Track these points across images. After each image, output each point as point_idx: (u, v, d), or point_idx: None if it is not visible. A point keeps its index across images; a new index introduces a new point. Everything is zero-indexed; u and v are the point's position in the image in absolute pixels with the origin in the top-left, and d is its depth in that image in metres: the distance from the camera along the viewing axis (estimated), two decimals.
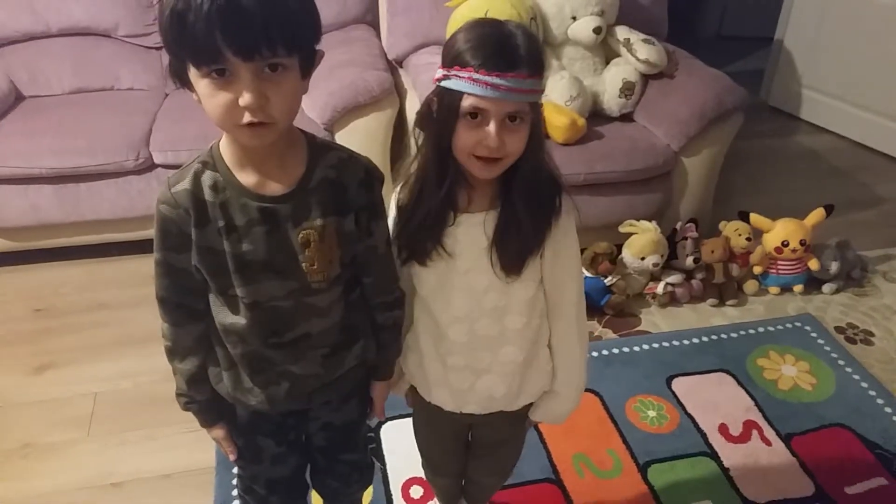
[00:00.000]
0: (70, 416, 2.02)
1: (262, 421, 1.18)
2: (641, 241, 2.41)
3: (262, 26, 0.81)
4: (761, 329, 2.37)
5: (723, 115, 2.53)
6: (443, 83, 1.01)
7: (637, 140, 2.53)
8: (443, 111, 1.02)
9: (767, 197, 3.12)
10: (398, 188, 1.15)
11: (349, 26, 2.96)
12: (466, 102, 0.99)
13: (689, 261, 2.47)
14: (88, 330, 2.35)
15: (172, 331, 1.07)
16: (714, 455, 1.90)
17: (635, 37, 2.64)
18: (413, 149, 1.13)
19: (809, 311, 2.47)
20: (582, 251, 2.41)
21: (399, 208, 1.14)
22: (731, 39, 5.01)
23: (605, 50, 2.72)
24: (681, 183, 2.63)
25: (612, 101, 2.63)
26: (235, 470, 1.31)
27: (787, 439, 1.95)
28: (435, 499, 1.73)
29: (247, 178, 0.96)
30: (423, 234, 1.11)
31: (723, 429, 1.98)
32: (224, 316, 1.04)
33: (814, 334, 2.35)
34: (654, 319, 2.43)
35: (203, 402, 1.13)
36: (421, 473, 1.76)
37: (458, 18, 2.57)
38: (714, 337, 2.33)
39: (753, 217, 2.54)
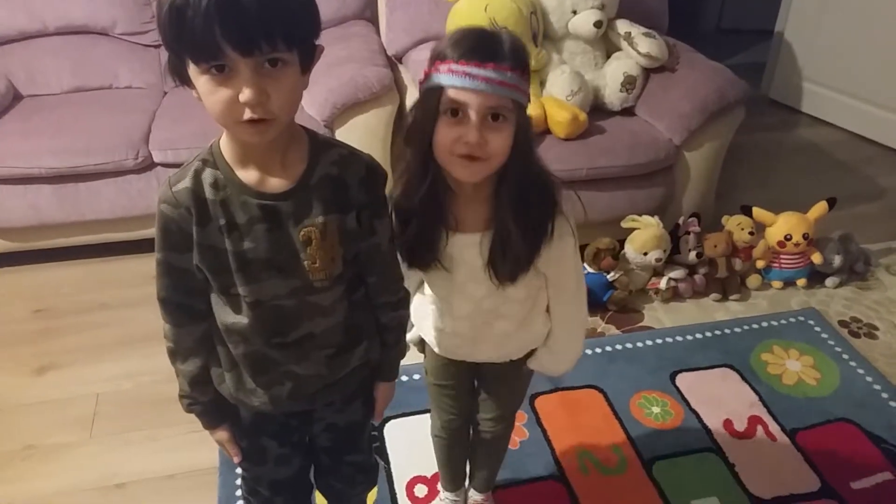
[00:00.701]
0: (72, 417, 2.01)
1: (265, 422, 1.17)
2: (644, 237, 2.40)
3: (261, 21, 0.80)
4: (765, 324, 2.37)
5: (724, 108, 2.51)
6: (424, 84, 1.01)
7: (639, 134, 2.52)
8: (423, 111, 1.01)
9: (770, 191, 3.11)
10: (392, 194, 1.14)
11: (348, 22, 2.95)
12: (446, 97, 0.98)
13: (692, 256, 2.46)
14: (89, 330, 2.34)
15: (174, 331, 1.06)
16: (719, 451, 1.89)
17: (636, 30, 2.63)
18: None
19: (813, 305, 2.47)
20: (584, 247, 2.40)
21: (394, 216, 1.13)
22: (731, 32, 4.99)
23: (605, 44, 2.71)
24: (683, 177, 2.62)
25: (613, 95, 2.62)
26: (239, 471, 1.30)
27: (791, 434, 1.94)
28: (438, 497, 1.73)
29: (248, 176, 0.95)
30: (419, 248, 1.12)
31: (727, 424, 1.97)
32: (226, 315, 1.03)
33: (817, 328, 2.34)
34: (658, 315, 2.42)
35: (206, 403, 1.12)
36: (425, 471, 1.77)
37: (458, 13, 2.55)
38: (717, 332, 2.33)
39: (756, 211, 2.53)
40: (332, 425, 1.24)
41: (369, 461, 1.38)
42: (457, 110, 0.98)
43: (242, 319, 1.02)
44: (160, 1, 0.81)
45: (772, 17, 3.97)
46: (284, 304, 1.02)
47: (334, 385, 1.14)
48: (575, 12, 2.59)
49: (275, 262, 0.98)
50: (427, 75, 1.00)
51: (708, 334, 2.31)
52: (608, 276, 2.40)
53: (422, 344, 1.41)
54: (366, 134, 2.49)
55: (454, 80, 0.95)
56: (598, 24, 2.56)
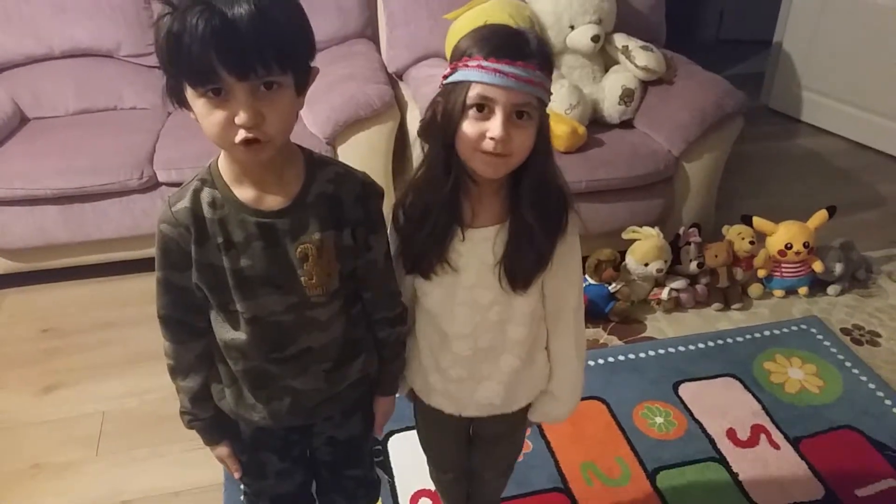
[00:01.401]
0: (78, 436, 2.03)
1: (265, 436, 1.18)
2: (645, 248, 2.41)
3: (256, 46, 0.82)
4: (767, 332, 2.37)
5: (723, 119, 2.53)
6: (449, 78, 1.00)
7: (638, 146, 2.54)
8: (448, 106, 1.01)
9: (770, 200, 3.12)
10: (401, 199, 1.14)
11: (349, 41, 2.98)
12: (473, 92, 0.97)
13: (693, 266, 2.47)
14: (95, 349, 2.36)
15: (174, 349, 1.08)
16: (722, 460, 1.90)
17: (633, 44, 2.65)
18: (416, 159, 1.12)
19: (815, 314, 2.47)
20: (585, 258, 2.41)
21: (404, 218, 1.12)
22: (730, 43, 5.02)
23: (603, 58, 2.74)
24: (682, 188, 2.64)
25: (611, 108, 2.64)
26: (242, 487, 1.31)
27: (795, 443, 1.95)
28: None
29: (245, 194, 0.97)
30: (429, 247, 1.10)
31: (731, 433, 1.97)
32: (225, 332, 1.05)
33: (819, 336, 2.35)
34: (660, 325, 2.43)
35: (207, 419, 1.14)
36: (429, 485, 1.76)
37: (457, 30, 2.59)
38: (720, 341, 2.33)
39: (756, 220, 2.54)
40: (332, 439, 1.24)
41: (370, 476, 1.38)
42: (483, 106, 0.98)
43: (241, 335, 1.04)
44: (158, 26, 0.84)
45: (770, 28, 4.00)
46: (282, 320, 1.03)
47: (333, 399, 1.15)
48: (572, 27, 2.62)
49: (272, 278, 1.00)
50: (452, 70, 1.00)
51: (710, 344, 2.32)
52: (610, 288, 2.41)
53: (411, 395, 1.36)
54: (367, 150, 2.51)
55: (484, 76, 0.96)
56: (595, 39, 2.59)
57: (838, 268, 2.53)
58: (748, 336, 2.36)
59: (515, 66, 0.95)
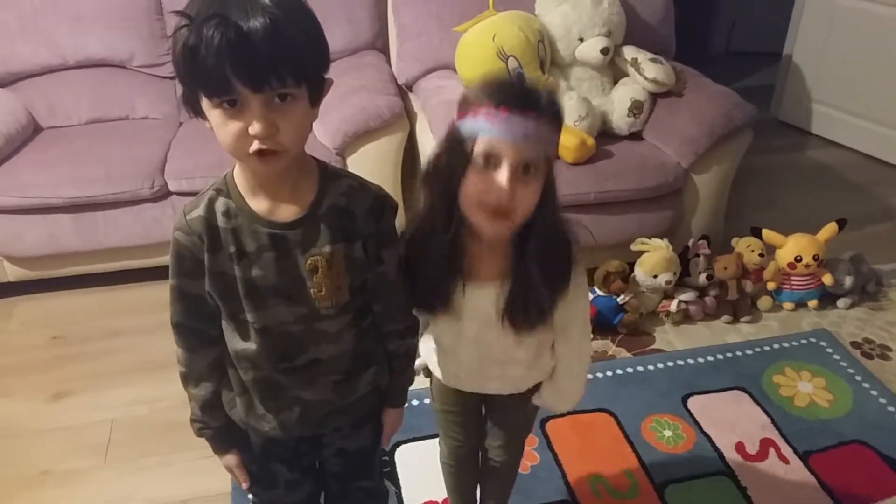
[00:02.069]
0: (87, 443, 2.04)
1: (275, 447, 1.19)
2: (653, 259, 2.41)
3: (271, 59, 0.83)
4: (776, 345, 2.36)
5: (732, 131, 2.53)
6: (457, 125, 0.99)
7: (647, 158, 2.54)
8: (452, 157, 0.99)
9: (779, 212, 3.11)
10: (405, 236, 1.13)
11: (360, 52, 3.00)
12: (480, 146, 0.96)
13: (702, 278, 2.47)
14: (105, 357, 2.37)
15: (187, 356, 1.09)
16: (731, 474, 1.88)
17: (643, 56, 2.66)
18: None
19: (824, 327, 2.46)
20: (594, 270, 2.41)
21: (409, 261, 1.11)
22: (740, 55, 5.02)
23: (612, 70, 2.74)
24: (692, 200, 2.63)
25: (620, 120, 2.64)
26: (250, 497, 1.31)
27: (804, 457, 1.93)
28: None
29: (259, 205, 0.98)
30: (431, 293, 1.11)
31: (739, 447, 1.96)
32: (235, 342, 1.06)
33: (829, 350, 2.33)
34: (668, 337, 2.42)
35: (217, 428, 1.14)
36: (436, 496, 1.77)
37: (467, 43, 2.60)
38: (729, 354, 2.32)
39: (766, 233, 2.54)
40: (341, 450, 1.25)
41: (379, 488, 1.38)
42: (489, 158, 0.96)
43: (251, 345, 1.05)
44: (175, 39, 0.85)
45: (780, 40, 4.00)
46: (291, 331, 1.04)
47: (343, 410, 1.16)
48: (582, 39, 2.62)
49: (282, 289, 1.01)
50: (460, 119, 0.98)
51: (719, 356, 2.31)
52: (618, 300, 2.41)
53: (428, 370, 1.41)
54: (377, 161, 2.52)
55: (493, 126, 0.94)
56: (605, 51, 2.60)
57: (848, 281, 2.52)
58: (757, 349, 2.34)
59: (528, 117, 0.94)
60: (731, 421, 2.05)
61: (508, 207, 0.98)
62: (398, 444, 1.96)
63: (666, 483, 1.86)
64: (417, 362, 1.34)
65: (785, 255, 2.50)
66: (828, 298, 2.56)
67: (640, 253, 2.44)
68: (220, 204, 0.99)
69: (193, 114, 0.92)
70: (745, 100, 2.60)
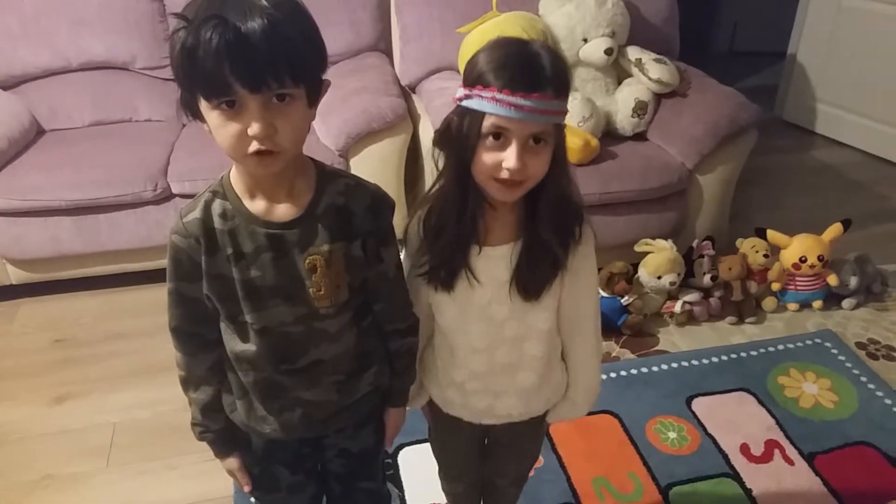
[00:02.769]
0: (89, 447, 2.03)
1: (277, 449, 1.18)
2: (658, 260, 2.40)
3: (269, 60, 0.83)
4: (781, 346, 2.35)
5: (736, 132, 2.52)
6: (464, 102, 0.99)
7: (651, 159, 2.53)
8: (463, 131, 1.00)
9: (784, 213, 3.10)
10: (420, 211, 1.13)
11: (362, 54, 3.00)
12: (488, 122, 0.97)
13: (707, 279, 2.46)
14: (107, 360, 2.37)
15: (186, 360, 1.08)
16: (736, 476, 1.88)
17: (647, 56, 2.65)
18: (429, 171, 1.11)
19: (829, 327, 2.45)
20: (598, 271, 2.40)
21: (423, 232, 1.12)
22: (744, 55, 5.01)
23: (616, 70, 2.74)
24: (696, 201, 2.63)
25: (625, 120, 2.64)
26: (252, 500, 1.31)
27: (810, 458, 1.92)
28: None
29: (255, 206, 0.98)
30: (450, 260, 1.10)
31: (744, 449, 1.95)
32: (235, 343, 1.05)
33: (834, 350, 2.32)
34: (673, 339, 2.41)
35: (218, 431, 1.14)
36: (440, 499, 1.75)
37: (470, 44, 2.59)
38: (733, 355, 2.31)
39: (770, 233, 2.53)
40: (344, 451, 1.24)
41: (382, 490, 1.38)
42: (499, 134, 0.97)
43: (251, 347, 1.04)
44: (173, 41, 0.85)
45: (784, 40, 3.99)
46: (291, 331, 1.03)
47: (345, 411, 1.15)
48: (586, 40, 2.62)
49: (281, 289, 1.00)
50: (467, 95, 0.99)
51: (724, 358, 2.30)
52: (622, 301, 2.40)
53: (429, 405, 1.36)
54: (380, 162, 2.52)
55: (499, 109, 0.95)
56: (608, 52, 2.59)
57: (853, 281, 2.51)
58: (762, 350, 2.33)
59: (531, 98, 0.94)
60: (735, 422, 2.04)
61: (519, 178, 1.00)
62: (401, 446, 1.95)
63: (671, 485, 1.85)
64: (414, 398, 1.30)
65: (790, 256, 2.49)
66: (833, 299, 2.56)
67: (645, 254, 2.44)
68: (217, 206, 0.98)
69: (191, 116, 0.92)
70: (748, 100, 2.58)
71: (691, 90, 2.68)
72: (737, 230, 2.72)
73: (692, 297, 2.46)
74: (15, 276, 2.61)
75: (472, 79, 0.98)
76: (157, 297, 2.54)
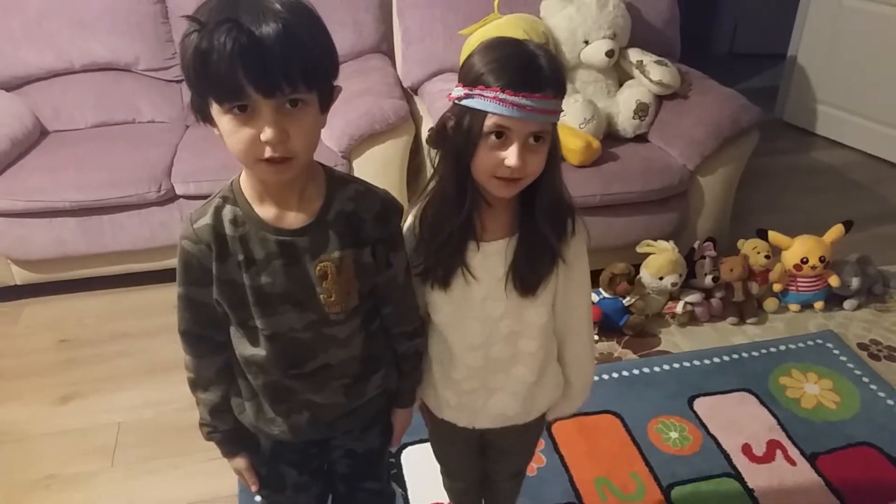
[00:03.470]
0: (94, 446, 2.04)
1: (284, 450, 1.19)
2: (659, 261, 2.41)
3: (283, 64, 0.83)
4: (782, 347, 2.36)
5: (738, 133, 2.53)
6: (464, 102, 1.00)
7: (652, 160, 2.54)
8: (463, 131, 1.01)
9: (785, 214, 3.11)
10: (415, 210, 1.14)
11: (365, 56, 3.00)
12: (490, 122, 0.98)
13: (708, 280, 2.46)
14: (111, 360, 2.38)
15: (195, 363, 1.09)
16: (738, 476, 1.88)
17: (648, 58, 2.66)
18: (428, 169, 1.13)
19: (831, 328, 2.45)
20: (600, 272, 2.41)
21: (420, 230, 1.13)
22: (744, 57, 5.02)
23: (618, 72, 2.74)
24: (697, 202, 2.63)
25: (626, 122, 2.65)
26: (258, 499, 1.32)
27: (812, 459, 1.93)
28: None
29: (266, 212, 0.98)
30: (448, 258, 1.11)
31: (746, 449, 1.96)
32: (244, 348, 1.06)
33: (836, 351, 2.33)
34: (674, 339, 2.42)
35: (226, 431, 1.15)
36: (442, 498, 1.76)
37: (472, 46, 2.59)
38: (735, 356, 2.32)
39: (772, 234, 2.53)
40: (350, 452, 1.25)
41: (387, 490, 1.38)
42: (500, 133, 0.99)
43: (260, 351, 1.05)
44: (185, 43, 0.84)
45: (784, 41, 4.00)
46: (301, 337, 1.04)
47: (352, 413, 1.16)
48: (587, 42, 2.63)
49: (291, 296, 1.01)
50: (467, 95, 1.00)
51: (725, 358, 2.31)
52: (624, 301, 2.41)
53: (423, 409, 1.36)
54: (382, 164, 2.52)
55: (503, 109, 0.96)
56: (610, 54, 2.60)
57: (855, 282, 2.52)
58: (763, 350, 2.34)
59: (533, 98, 0.96)
60: (737, 423, 2.05)
61: (520, 175, 1.02)
62: (404, 445, 1.96)
63: (673, 485, 1.86)
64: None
65: (791, 257, 2.50)
66: (834, 300, 2.56)
67: (646, 255, 2.44)
68: (228, 212, 0.98)
69: (202, 120, 0.92)
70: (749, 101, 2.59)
71: (692, 92, 2.68)
72: (738, 231, 2.72)
73: (694, 297, 2.47)
74: (19, 276, 2.62)
75: (471, 79, 0.99)
76: (161, 298, 2.60)
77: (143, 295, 2.68)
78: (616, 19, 2.63)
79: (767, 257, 2.51)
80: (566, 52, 2.65)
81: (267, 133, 0.86)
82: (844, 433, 2.01)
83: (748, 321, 2.49)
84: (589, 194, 2.40)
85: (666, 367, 2.27)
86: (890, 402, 2.12)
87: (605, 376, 2.22)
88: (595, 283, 2.33)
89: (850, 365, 2.26)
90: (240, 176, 1.00)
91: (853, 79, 3.64)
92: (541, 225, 1.08)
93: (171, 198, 2.53)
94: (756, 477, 1.88)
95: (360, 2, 2.96)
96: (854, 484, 1.85)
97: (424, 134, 2.65)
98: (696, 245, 2.52)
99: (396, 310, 1.14)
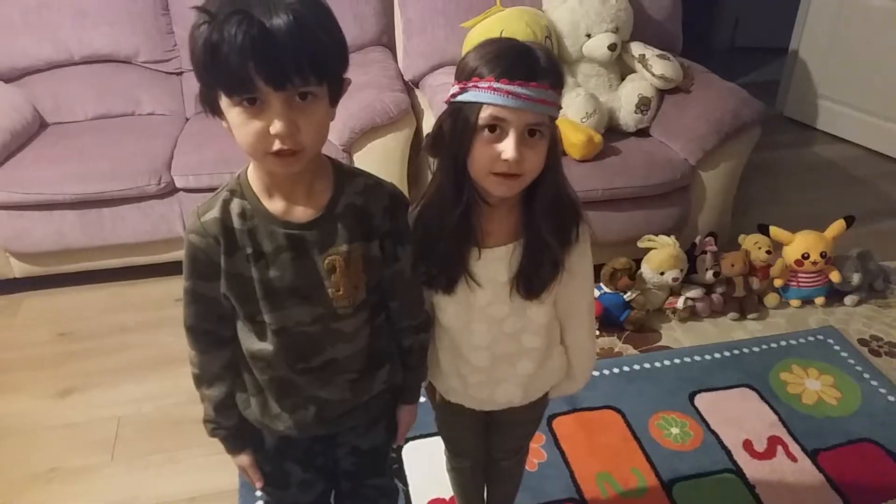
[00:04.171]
0: (94, 440, 2.04)
1: (289, 447, 1.19)
2: (660, 256, 2.40)
3: (294, 57, 0.82)
4: (783, 343, 2.36)
5: (740, 128, 2.52)
6: (459, 97, 0.99)
7: (654, 155, 2.53)
8: (458, 127, 1.00)
9: (786, 209, 3.10)
10: (413, 213, 1.13)
11: (366, 48, 2.99)
12: (485, 113, 0.97)
13: (709, 275, 2.46)
14: (111, 353, 2.37)
15: (200, 358, 1.08)
16: (739, 472, 1.88)
17: (650, 52, 2.65)
18: (430, 170, 1.12)
19: (832, 324, 2.45)
20: (601, 267, 2.41)
21: (420, 235, 1.11)
22: (745, 51, 5.00)
23: (620, 66, 2.73)
24: (699, 197, 2.63)
25: (628, 116, 2.64)
26: (259, 493, 1.31)
27: (813, 455, 1.93)
28: None
29: (274, 206, 0.98)
30: (449, 265, 1.10)
31: (747, 445, 1.96)
32: (251, 342, 1.06)
33: (837, 347, 2.33)
34: (675, 334, 2.42)
35: (231, 428, 1.14)
36: (444, 493, 1.77)
37: (474, 39, 2.59)
38: (736, 351, 2.32)
39: (773, 230, 2.53)
40: (355, 449, 1.25)
41: (390, 485, 1.38)
42: (496, 127, 0.98)
43: (267, 346, 1.04)
44: (194, 35, 0.83)
45: (786, 35, 3.99)
46: (308, 331, 1.03)
47: (358, 409, 1.16)
48: (589, 36, 2.61)
49: (299, 289, 1.00)
50: (461, 90, 0.99)
51: (726, 354, 2.31)
52: (625, 296, 2.40)
53: (430, 386, 1.37)
54: (383, 158, 2.52)
55: (496, 98, 0.95)
56: (612, 47, 2.59)
57: (856, 278, 2.52)
58: (764, 346, 2.34)
59: (528, 87, 0.95)
60: (738, 418, 2.05)
61: (518, 171, 1.00)
62: (406, 440, 1.95)
63: (674, 481, 1.86)
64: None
65: (792, 253, 2.50)
66: (835, 295, 2.56)
67: (647, 250, 2.44)
68: (236, 205, 0.98)
69: (211, 112, 0.91)
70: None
71: (695, 86, 2.67)
72: (739, 226, 2.72)
73: (694, 293, 2.47)
74: (19, 269, 2.61)
75: (466, 74, 0.99)
76: (160, 291, 2.59)
77: (142, 288, 2.68)
78: (618, 13, 2.62)
79: (769, 252, 2.51)
80: (568, 46, 2.64)
81: (277, 126, 0.85)
82: (845, 429, 2.01)
83: (749, 317, 2.49)
84: (590, 189, 2.39)
85: (667, 362, 2.27)
86: (891, 398, 2.12)
87: (606, 371, 2.22)
88: (596, 278, 2.32)
89: (851, 361, 2.27)
90: (246, 169, 1.00)
91: (855, 73, 3.63)
92: (544, 231, 1.07)
93: (171, 191, 2.51)
94: (757, 473, 1.88)
95: None
96: (855, 480, 1.85)
97: (425, 127, 2.65)
98: (697, 240, 2.52)
99: (403, 304, 1.14)
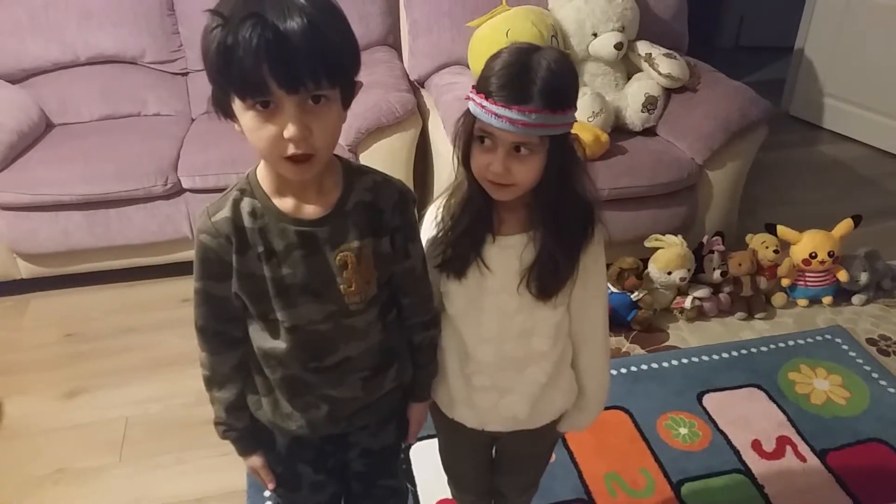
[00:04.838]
0: (101, 441, 2.04)
1: (301, 448, 1.18)
2: (667, 256, 2.40)
3: (308, 60, 0.82)
4: (791, 342, 2.35)
5: (747, 127, 2.52)
6: (468, 103, 1.03)
7: (661, 154, 2.53)
8: (462, 131, 1.05)
9: (793, 208, 3.10)
10: (440, 200, 1.16)
11: (372, 48, 2.99)
12: (477, 126, 1.02)
13: (717, 274, 2.45)
14: (118, 354, 2.37)
15: (211, 359, 1.08)
16: (748, 472, 1.88)
17: (657, 51, 2.64)
18: (438, 165, 1.15)
19: (840, 324, 2.44)
20: (608, 266, 2.40)
21: (442, 220, 1.14)
22: (750, 49, 4.99)
23: (626, 65, 2.73)
24: (706, 196, 2.62)
25: (634, 115, 2.63)
26: (267, 493, 1.31)
27: (821, 455, 1.92)
28: None
29: (284, 204, 0.98)
30: (464, 248, 1.12)
31: (756, 445, 1.96)
32: (264, 340, 1.05)
33: (845, 346, 2.32)
34: (683, 334, 2.41)
35: (242, 430, 1.14)
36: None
37: (480, 38, 2.59)
38: (744, 351, 2.31)
39: (780, 229, 2.52)
40: (366, 450, 1.24)
41: (401, 486, 1.38)
42: (484, 139, 1.02)
43: (280, 344, 1.04)
44: (207, 38, 0.83)
45: (791, 34, 3.98)
46: (321, 329, 1.03)
47: (370, 408, 1.15)
48: (595, 35, 2.61)
49: (311, 286, 1.00)
50: (469, 97, 1.03)
51: (734, 353, 2.30)
52: (632, 296, 2.40)
53: (433, 408, 1.34)
54: (389, 157, 2.51)
55: (483, 115, 0.99)
56: (618, 46, 2.58)
57: (863, 277, 2.51)
58: (772, 346, 2.34)
59: (512, 110, 0.96)
60: (746, 418, 2.04)
61: (506, 182, 1.03)
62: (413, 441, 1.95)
63: (682, 481, 1.86)
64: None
65: (800, 252, 2.49)
66: (843, 295, 2.55)
67: (655, 249, 2.43)
68: (246, 204, 0.98)
69: (223, 115, 0.91)
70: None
71: (701, 85, 2.67)
72: (746, 226, 2.71)
73: (702, 292, 2.46)
74: (25, 270, 2.62)
75: (478, 82, 1.03)
76: (167, 292, 2.59)
77: (149, 289, 2.68)
78: (624, 12, 2.62)
79: (776, 252, 2.50)
80: (574, 45, 2.63)
81: (290, 130, 0.85)
82: (854, 429, 2.01)
83: (756, 316, 2.48)
84: (597, 188, 2.38)
85: (674, 362, 2.27)
86: None
87: (614, 372, 2.21)
88: None
89: (860, 360, 2.26)
90: (256, 168, 1.00)
91: (861, 72, 3.62)
92: (552, 226, 1.08)
93: (177, 191, 2.52)
94: (766, 473, 1.87)
95: None
96: (864, 480, 1.85)
97: (431, 127, 2.65)
98: (704, 239, 2.51)
99: (414, 300, 1.14)
